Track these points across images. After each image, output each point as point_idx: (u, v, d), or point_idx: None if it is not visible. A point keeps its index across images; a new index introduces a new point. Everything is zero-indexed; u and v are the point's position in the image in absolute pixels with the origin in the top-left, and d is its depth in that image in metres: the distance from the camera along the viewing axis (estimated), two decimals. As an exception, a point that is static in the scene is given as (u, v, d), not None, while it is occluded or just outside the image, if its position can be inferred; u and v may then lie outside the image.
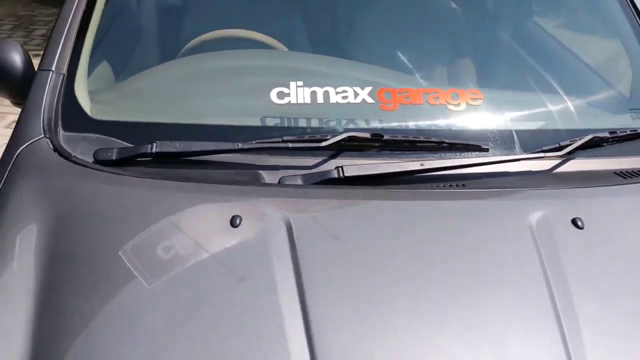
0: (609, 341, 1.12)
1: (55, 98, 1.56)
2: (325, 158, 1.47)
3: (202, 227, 1.31)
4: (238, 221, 1.27)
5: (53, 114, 1.53)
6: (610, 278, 1.24)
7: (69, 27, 1.68)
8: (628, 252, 1.31)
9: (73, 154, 1.44)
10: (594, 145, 1.54)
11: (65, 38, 1.66)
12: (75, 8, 1.71)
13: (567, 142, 1.52)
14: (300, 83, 1.59)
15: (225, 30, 1.92)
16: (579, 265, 1.23)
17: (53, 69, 1.60)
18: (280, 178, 1.42)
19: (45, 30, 6.69)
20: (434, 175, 1.46)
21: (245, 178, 1.43)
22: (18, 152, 1.44)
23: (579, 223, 1.31)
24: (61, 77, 1.60)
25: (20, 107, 1.87)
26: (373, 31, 1.84)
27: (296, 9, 1.93)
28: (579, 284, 1.20)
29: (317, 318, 1.10)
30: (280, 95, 1.57)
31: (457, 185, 1.45)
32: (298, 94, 1.57)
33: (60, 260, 1.22)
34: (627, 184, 1.47)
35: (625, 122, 1.67)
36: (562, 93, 1.71)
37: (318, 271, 1.19)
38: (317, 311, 1.11)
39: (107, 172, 1.39)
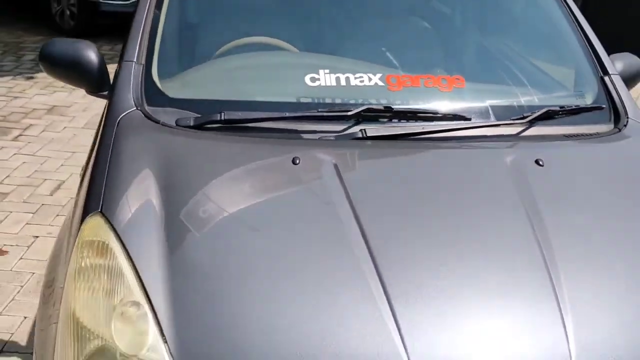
0: (568, 237, 1.63)
1: (139, 81, 2.01)
2: (350, 125, 1.95)
3: (270, 165, 1.79)
4: (298, 161, 1.74)
5: (139, 93, 1.98)
6: (562, 195, 1.76)
7: (142, 29, 2.14)
8: (571, 178, 1.86)
9: (160, 120, 1.90)
10: (548, 117, 2.07)
11: (140, 37, 2.12)
12: (146, 15, 2.18)
13: (529, 114, 2.04)
14: (327, 71, 2.08)
15: (255, 37, 2.41)
16: (541, 187, 1.75)
17: (134, 60, 2.06)
18: (319, 137, 1.90)
19: (33, 56, 7.04)
20: (431, 137, 1.96)
21: (293, 137, 1.90)
22: (119, 118, 1.89)
23: (540, 162, 1.83)
24: (141, 66, 2.05)
25: (93, 95, 2.31)
26: (377, 33, 2.35)
27: (322, 23, 2.44)
28: (542, 197, 1.71)
29: (369, 227, 1.56)
30: (313, 79, 2.06)
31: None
32: (326, 79, 2.06)
33: (169, 192, 1.66)
34: (571, 140, 2.01)
35: (570, 101, 2.21)
36: (524, 80, 2.26)
37: (362, 191, 1.67)
38: (366, 218, 1.58)
39: (191, 131, 1.86)
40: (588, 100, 2.22)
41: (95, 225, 1.55)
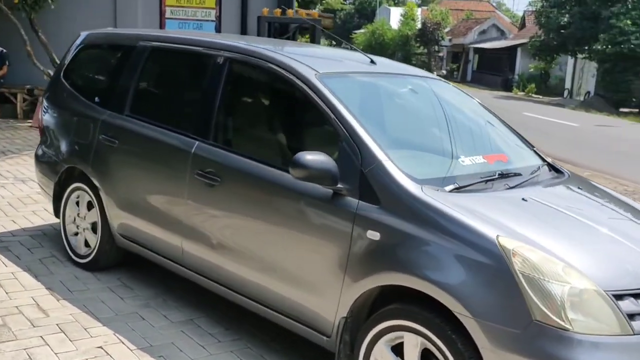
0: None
1: (395, 172, 3.37)
2: (491, 182, 3.67)
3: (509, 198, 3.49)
4: (525, 199, 3.50)
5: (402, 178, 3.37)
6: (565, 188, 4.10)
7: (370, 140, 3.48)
8: (561, 187, 4.15)
9: (434, 187, 3.33)
10: (541, 169, 4.16)
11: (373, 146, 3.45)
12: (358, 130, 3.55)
13: (536, 169, 4.12)
14: (464, 157, 3.81)
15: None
16: (561, 185, 4.11)
17: (382, 160, 3.46)
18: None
19: None
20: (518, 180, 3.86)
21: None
22: (409, 190, 3.34)
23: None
24: (387, 162, 3.40)
25: (332, 189, 3.45)
26: (471, 139, 4.37)
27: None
28: (567, 189, 4.04)
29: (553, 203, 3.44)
30: (462, 162, 3.77)
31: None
32: (465, 161, 3.76)
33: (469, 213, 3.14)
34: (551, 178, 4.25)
35: (540, 164, 4.42)
36: (523, 156, 4.48)
37: (541, 195, 3.68)
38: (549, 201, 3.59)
39: (448, 193, 3.42)
40: (539, 163, 4.43)
41: (506, 240, 2.96)
